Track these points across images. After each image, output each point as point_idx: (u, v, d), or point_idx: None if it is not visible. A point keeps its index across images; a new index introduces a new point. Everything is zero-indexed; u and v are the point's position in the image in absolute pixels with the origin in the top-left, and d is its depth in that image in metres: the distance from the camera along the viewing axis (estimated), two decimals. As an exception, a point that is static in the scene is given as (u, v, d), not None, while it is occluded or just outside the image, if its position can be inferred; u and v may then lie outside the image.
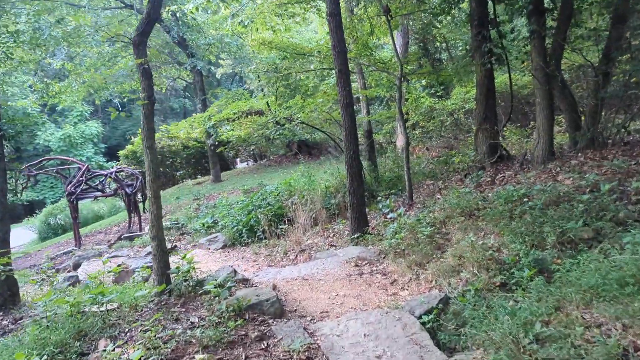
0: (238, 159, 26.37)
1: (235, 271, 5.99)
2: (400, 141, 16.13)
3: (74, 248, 11.62)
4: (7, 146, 8.15)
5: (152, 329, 4.22)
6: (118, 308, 5.21)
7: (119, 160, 23.41)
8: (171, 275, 5.54)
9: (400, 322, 4.35)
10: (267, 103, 11.89)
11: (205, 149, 20.53)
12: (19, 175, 13.37)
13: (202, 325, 4.40)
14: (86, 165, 13.38)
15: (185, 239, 11.06)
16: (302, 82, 15.95)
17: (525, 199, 6.12)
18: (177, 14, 17.52)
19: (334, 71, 7.85)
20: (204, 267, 8.16)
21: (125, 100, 25.19)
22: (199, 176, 23.37)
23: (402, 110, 9.00)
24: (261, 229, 9.20)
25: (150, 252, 9.93)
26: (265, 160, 23.51)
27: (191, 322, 4.60)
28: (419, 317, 4.44)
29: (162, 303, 5.13)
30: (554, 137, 8.11)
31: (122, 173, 13.96)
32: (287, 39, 10.93)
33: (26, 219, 20.61)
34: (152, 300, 5.25)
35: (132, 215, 13.86)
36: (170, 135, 23.07)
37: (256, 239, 9.22)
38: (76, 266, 9.72)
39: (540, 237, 5.14)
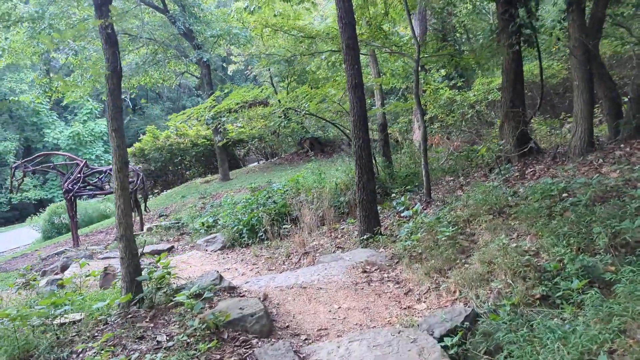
0: (249, 157, 25.59)
1: (221, 277, 5.13)
2: (417, 135, 15.22)
3: (67, 248, 10.88)
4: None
5: (104, 352, 3.37)
6: (79, 321, 4.38)
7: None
8: (144, 282, 4.68)
9: (415, 346, 3.44)
10: (279, 100, 10.99)
11: (215, 147, 19.79)
12: (14, 171, 12.70)
13: (170, 348, 3.55)
14: (84, 162, 12.66)
15: (185, 239, 10.25)
16: (311, 74, 15.07)
17: (565, 194, 5.17)
18: (184, 4, 16.79)
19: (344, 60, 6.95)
20: (197, 271, 7.34)
21: (132, 96, 24.58)
22: (209, 175, 22.64)
23: (420, 99, 8.07)
24: (263, 229, 8.34)
25: (145, 253, 9.14)
26: (276, 159, 22.68)
27: (158, 341, 3.75)
28: (440, 339, 3.53)
29: (129, 316, 4.28)
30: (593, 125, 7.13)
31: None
32: (294, 22, 10.04)
33: (29, 217, 20.01)
34: (119, 313, 4.40)
35: (133, 214, 13.09)
36: (179, 132, 22.38)
37: (257, 239, 8.36)
38: (64, 268, 8.96)
39: (588, 239, 4.21)
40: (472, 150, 9.22)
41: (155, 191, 22.29)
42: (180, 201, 15.95)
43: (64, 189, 12.50)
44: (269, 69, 21.84)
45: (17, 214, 28.86)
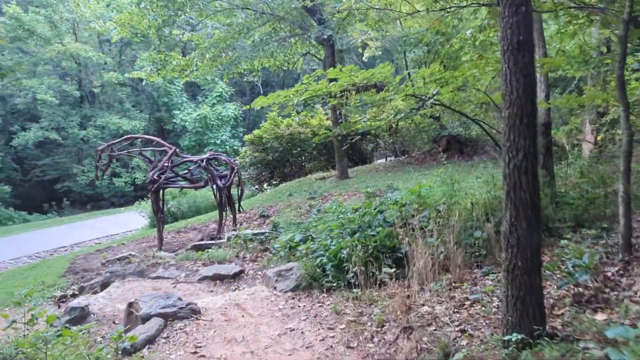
0: (377, 153, 22.95)
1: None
2: (588, 138, 11.57)
3: (134, 254, 9.11)
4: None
5: None
6: None
7: (244, 145, 21.33)
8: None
9: None
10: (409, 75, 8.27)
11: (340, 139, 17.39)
12: (100, 154, 11.33)
13: None
14: (174, 149, 10.90)
15: (265, 258, 7.93)
16: (452, 51, 11.98)
17: None
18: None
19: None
20: (246, 335, 4.93)
21: (256, 80, 23.22)
22: (329, 170, 20.41)
23: (624, 85, 4.81)
24: (354, 270, 5.67)
25: (206, 278, 6.96)
26: (406, 157, 19.76)
27: None
28: None
29: None
30: None
31: (215, 161, 11.29)
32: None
33: (138, 202, 19.29)
34: None
35: (224, 213, 11.13)
36: (301, 121, 20.40)
37: (344, 283, 5.72)
38: (104, 285, 7.07)
39: None
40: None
41: (274, 182, 20.59)
42: (285, 200, 13.81)
43: (148, 179, 10.86)
44: (405, 55, 18.98)
45: (142, 194, 29.22)
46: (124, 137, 11.68)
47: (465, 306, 4.59)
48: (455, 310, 4.55)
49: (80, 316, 5.88)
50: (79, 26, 27.36)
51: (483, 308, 4.45)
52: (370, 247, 5.84)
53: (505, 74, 3.24)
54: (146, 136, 11.50)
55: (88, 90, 29.98)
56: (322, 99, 7.14)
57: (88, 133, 27.97)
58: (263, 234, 9.06)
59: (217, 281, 6.96)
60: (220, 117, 29.64)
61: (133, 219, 19.81)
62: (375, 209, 8.21)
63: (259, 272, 7.12)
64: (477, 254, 5.83)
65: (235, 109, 30.55)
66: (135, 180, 28.72)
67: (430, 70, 6.69)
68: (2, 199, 25.37)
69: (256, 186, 20.38)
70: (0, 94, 27.72)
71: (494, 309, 4.35)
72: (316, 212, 11.52)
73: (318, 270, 6.08)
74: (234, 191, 11.62)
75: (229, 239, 8.99)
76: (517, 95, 3.17)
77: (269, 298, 5.83)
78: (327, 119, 19.78)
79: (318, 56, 17.50)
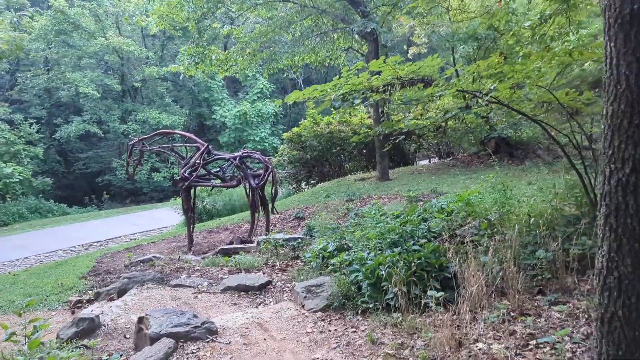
0: (419, 154, 22.00)
1: None
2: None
3: (157, 256, 8.57)
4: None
5: None
6: None
7: (282, 143, 20.73)
8: None
9: None
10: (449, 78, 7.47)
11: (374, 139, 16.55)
12: (131, 149, 10.90)
13: None
14: (206, 145, 10.36)
15: (296, 267, 7.24)
16: (506, 46, 10.98)
17: None
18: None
19: None
20: None
21: (297, 75, 22.59)
22: (369, 170, 19.61)
23: None
24: (393, 291, 4.90)
25: (230, 288, 6.32)
26: (451, 159, 18.76)
27: None
28: None
29: None
30: None
31: (248, 159, 10.67)
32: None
33: (173, 198, 18.97)
34: None
35: (257, 215, 10.52)
36: (341, 119, 19.66)
37: (383, 304, 4.95)
38: (122, 292, 6.52)
39: None
40: None
41: (312, 182, 19.93)
42: (323, 202, 13.11)
43: (179, 177, 10.36)
44: (453, 51, 18.01)
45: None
46: (156, 132, 11.22)
47: (530, 347, 3.76)
48: (518, 351, 3.73)
49: (89, 329, 5.32)
50: (122, 20, 27.37)
51: (554, 352, 3.62)
52: (413, 264, 5.06)
53: (610, 56, 2.41)
54: (179, 132, 11.01)
55: (130, 85, 30.04)
56: (363, 94, 6.37)
57: (128, 127, 28.00)
58: (295, 239, 8.37)
59: (242, 293, 6.31)
60: (260, 114, 29.17)
61: (169, 216, 19.55)
62: (418, 216, 7.46)
63: (288, 285, 6.43)
64: (539, 277, 4.98)
65: (275, 105, 30.05)
66: (174, 175, 28.61)
67: (488, 62, 5.83)
68: (44, 191, 25.61)
69: (293, 185, 19.77)
70: (46, 86, 28.06)
71: (569, 355, 3.51)
72: (353, 216, 10.79)
73: (352, 288, 5.34)
74: (268, 191, 10.99)
75: (259, 243, 8.35)
76: (627, 86, 2.33)
77: (296, 318, 5.13)
78: (369, 117, 18.99)
79: (361, 51, 16.72)
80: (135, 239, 17.99)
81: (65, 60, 28.01)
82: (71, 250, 16.91)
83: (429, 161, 20.55)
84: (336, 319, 5.01)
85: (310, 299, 5.39)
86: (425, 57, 7.48)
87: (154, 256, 8.43)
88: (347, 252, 6.73)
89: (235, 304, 6.03)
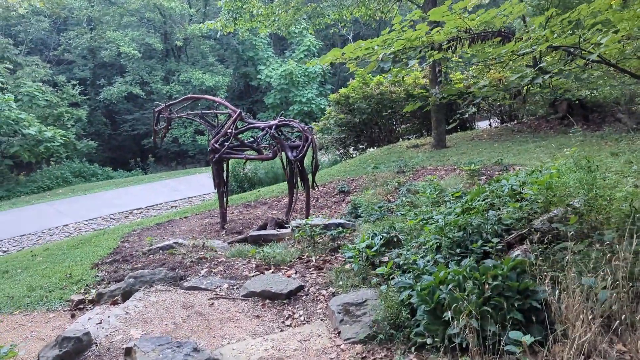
0: (478, 116, 20.10)
1: None
2: None
3: (180, 242, 7.52)
4: None
5: None
6: None
7: (329, 105, 19.28)
8: None
9: None
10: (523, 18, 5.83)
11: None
12: (158, 116, 9.84)
13: None
14: (238, 112, 9.15)
15: (333, 265, 6.01)
16: None
17: None
18: None
19: None
20: None
21: (345, 30, 20.89)
22: (422, 136, 18.02)
23: None
24: (460, 325, 3.60)
25: (253, 294, 5.20)
26: (515, 123, 16.90)
27: None
28: None
29: None
30: None
31: (286, 128, 9.41)
32: None
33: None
34: None
35: (295, 191, 9.33)
36: (394, 79, 18.00)
37: (445, 340, 3.67)
38: (126, 295, 5.49)
39: None
40: None
41: (360, 147, 18.54)
42: (370, 173, 11.78)
43: (209, 148, 9.25)
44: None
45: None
46: (184, 97, 10.09)
47: None
48: None
49: (75, 350, 4.31)
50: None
51: None
52: (487, 285, 3.73)
53: None
54: (208, 96, 9.83)
55: (173, 44, 29.06)
56: (420, 52, 4.95)
57: (171, 88, 27.13)
58: (336, 226, 7.11)
59: (267, 301, 5.16)
60: (307, 74, 27.66)
61: (212, 182, 18.79)
62: (484, 201, 6.08)
63: (323, 292, 5.21)
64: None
65: (312, 65, 28.35)
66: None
67: (593, 5, 4.27)
68: (90, 153, 25.31)
69: (340, 151, 18.43)
70: (89, 46, 27.45)
71: None
72: (405, 193, 9.46)
73: (404, 312, 4.06)
74: (308, 164, 9.76)
75: (293, 230, 7.15)
76: None
77: (329, 352, 3.92)
78: (424, 77, 17.29)
79: (416, 2, 14.93)
80: (176, 207, 17.34)
81: (107, 19, 27.21)
82: (110, 218, 16.44)
83: (489, 124, 18.71)
84: (381, 358, 3.77)
85: (348, 323, 4.17)
86: (488, 8, 5.86)
87: (175, 242, 7.39)
88: (397, 251, 5.46)
89: (257, 316, 4.89)
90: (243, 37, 23.53)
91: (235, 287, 5.53)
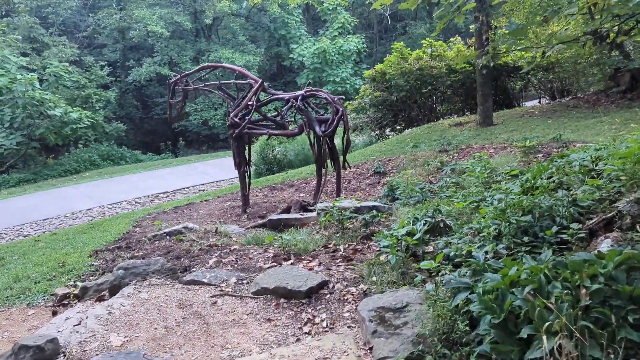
0: (525, 93, 18.53)
1: None
2: None
3: (190, 227, 6.56)
4: None
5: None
6: None
7: (364, 83, 18.03)
8: None
9: None
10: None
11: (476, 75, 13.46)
12: (172, 88, 8.90)
13: None
14: (260, 82, 8.15)
15: (366, 255, 4.94)
16: None
17: None
18: None
19: None
20: None
21: (385, 9, 19.57)
22: (465, 114, 16.66)
23: None
24: (548, 346, 2.51)
25: (265, 291, 4.19)
26: (569, 99, 15.36)
27: None
28: None
29: None
30: None
31: (313, 99, 8.34)
32: None
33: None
34: None
35: (325, 171, 8.25)
36: (434, 53, 16.67)
37: (522, 368, 2.59)
38: (114, 290, 4.55)
39: None
40: None
41: (397, 127, 17.27)
42: (409, 152, 10.62)
43: (228, 123, 8.28)
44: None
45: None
46: (201, 66, 9.11)
47: None
48: None
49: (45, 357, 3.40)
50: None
51: None
52: (584, 290, 2.61)
53: None
54: (227, 65, 8.83)
55: (203, 23, 28.16)
56: None
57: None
58: (370, 209, 6.01)
59: (281, 300, 4.14)
60: (341, 52, 26.32)
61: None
62: (550, 179, 4.96)
63: (352, 289, 4.15)
64: None
65: (358, 41, 26.96)
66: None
67: None
68: (119, 137, 24.78)
69: (376, 132, 17.19)
70: (118, 26, 26.81)
71: None
72: (449, 173, 8.35)
73: (460, 323, 2.96)
74: (339, 142, 8.69)
75: (319, 213, 6.08)
76: None
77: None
78: (468, 47, 15.91)
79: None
80: (203, 190, 16.56)
81: (136, -3, 26.55)
82: (135, 202, 15.78)
83: (539, 101, 17.18)
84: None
85: (384, 336, 3.09)
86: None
87: (185, 226, 6.44)
88: (445, 239, 4.37)
89: (268, 320, 3.88)
90: (273, 12, 22.44)
91: (245, 281, 4.52)
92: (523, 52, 15.76)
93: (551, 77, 15.58)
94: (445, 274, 3.62)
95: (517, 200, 4.30)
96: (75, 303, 4.71)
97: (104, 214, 14.35)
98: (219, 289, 4.40)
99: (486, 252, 3.72)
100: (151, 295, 4.33)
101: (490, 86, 12.78)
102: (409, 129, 15.65)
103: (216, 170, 19.84)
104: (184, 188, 17.41)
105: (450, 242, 4.27)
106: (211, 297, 4.28)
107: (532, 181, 4.98)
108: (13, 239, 10.40)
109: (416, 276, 3.82)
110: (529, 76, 16.41)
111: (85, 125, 19.70)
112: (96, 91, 22.98)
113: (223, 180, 18.16)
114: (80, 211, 14.85)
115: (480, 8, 11.75)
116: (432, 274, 3.73)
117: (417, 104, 16.85)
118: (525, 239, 3.83)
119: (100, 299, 4.51)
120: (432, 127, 13.90)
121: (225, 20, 27.55)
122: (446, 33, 29.42)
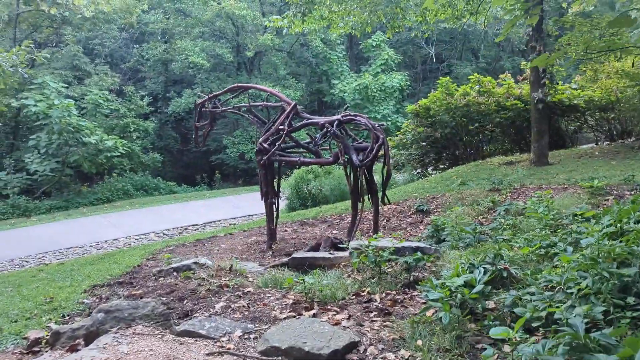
0: (579, 135, 17.24)
1: None
2: None
3: (197, 261, 5.70)
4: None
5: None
6: None
7: (406, 119, 17.16)
8: None
9: None
10: None
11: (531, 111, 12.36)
12: (199, 109, 8.21)
13: None
14: (293, 104, 7.38)
15: (408, 307, 3.94)
16: None
17: None
18: None
19: None
20: None
21: (426, 35, 18.80)
22: (515, 154, 15.48)
23: None
24: None
25: (276, 351, 3.22)
26: (633, 140, 14.07)
27: None
28: None
29: None
30: None
31: (350, 125, 7.48)
32: None
33: (282, 179, 16.40)
34: None
35: (361, 206, 7.29)
36: (482, 89, 15.71)
37: None
38: (90, 337, 3.67)
39: None
40: None
41: (441, 166, 16.23)
42: (457, 191, 9.59)
43: (257, 148, 7.48)
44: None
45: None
46: (229, 87, 8.43)
47: None
48: None
49: None
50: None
51: None
52: None
53: None
54: (258, 86, 8.15)
55: (245, 58, 28.09)
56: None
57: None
58: (412, 250, 5.01)
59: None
60: (383, 88, 25.64)
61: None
62: (638, 223, 3.91)
63: (390, 355, 3.15)
64: None
65: (402, 78, 26.22)
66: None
67: None
68: (155, 168, 24.51)
69: (418, 170, 16.16)
70: (161, 58, 26.95)
71: None
72: (503, 213, 7.26)
73: None
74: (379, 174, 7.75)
75: (351, 252, 5.11)
76: None
77: None
78: (520, 82, 14.92)
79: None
80: (234, 224, 15.82)
81: (179, 30, 26.65)
82: (164, 234, 15.20)
83: (596, 144, 15.90)
84: None
85: None
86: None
87: (195, 262, 5.58)
88: (513, 294, 3.35)
89: (277, 391, 2.90)
90: (316, 47, 21.98)
91: (252, 335, 3.58)
92: (580, 91, 14.69)
93: (612, 116, 14.33)
94: (519, 342, 2.61)
95: (610, 248, 3.28)
96: (46, 350, 3.84)
97: (130, 244, 13.76)
98: (218, 344, 3.46)
99: (576, 315, 2.71)
100: (132, 348, 3.41)
101: (547, 122, 11.69)
102: (454, 168, 14.59)
103: (249, 204, 19.14)
104: (214, 221, 16.82)
105: (519, 298, 3.26)
106: (207, 355, 3.34)
107: (619, 224, 3.97)
108: (26, 268, 9.81)
109: (479, 345, 2.81)
110: (586, 116, 15.23)
111: (119, 154, 19.42)
112: (134, 120, 22.86)
113: (255, 215, 17.42)
114: (106, 241, 14.36)
115: (538, 38, 10.83)
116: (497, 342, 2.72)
117: (463, 141, 15.82)
118: (631, 300, 2.81)
119: (73, 349, 3.63)
120: (479, 165, 12.82)
121: (267, 54, 27.39)
122: (493, 73, 28.49)
